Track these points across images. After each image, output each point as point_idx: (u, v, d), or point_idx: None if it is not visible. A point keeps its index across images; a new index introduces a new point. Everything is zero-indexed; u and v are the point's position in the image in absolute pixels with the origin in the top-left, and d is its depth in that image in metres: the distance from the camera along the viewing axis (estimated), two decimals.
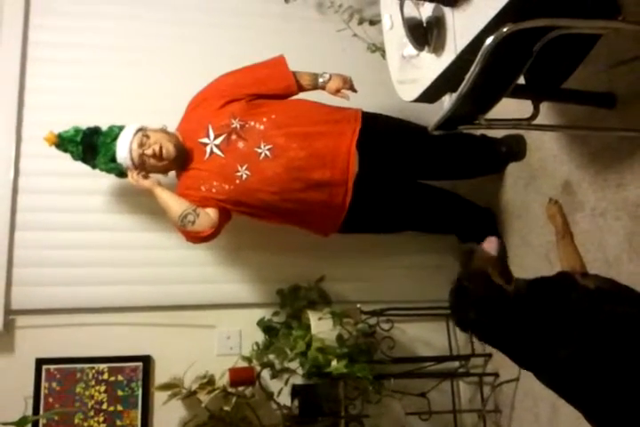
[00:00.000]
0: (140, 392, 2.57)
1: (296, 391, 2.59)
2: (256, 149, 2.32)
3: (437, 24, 1.69)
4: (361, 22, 2.94)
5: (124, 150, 2.33)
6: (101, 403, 2.55)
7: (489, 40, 1.42)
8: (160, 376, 2.57)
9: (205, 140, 2.37)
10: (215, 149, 2.35)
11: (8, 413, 2.25)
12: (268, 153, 2.32)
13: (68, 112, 2.72)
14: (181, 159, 2.39)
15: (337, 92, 2.49)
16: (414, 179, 2.62)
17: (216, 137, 2.36)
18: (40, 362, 2.54)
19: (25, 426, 2.09)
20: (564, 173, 2.28)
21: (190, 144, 2.40)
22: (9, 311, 2.55)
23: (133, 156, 2.33)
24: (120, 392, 2.57)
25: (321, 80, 2.51)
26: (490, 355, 2.73)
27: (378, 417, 2.64)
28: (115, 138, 2.37)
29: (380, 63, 2.51)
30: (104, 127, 2.44)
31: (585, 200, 2.16)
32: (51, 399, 2.52)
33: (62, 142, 2.40)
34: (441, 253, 2.81)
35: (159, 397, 2.51)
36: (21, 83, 2.72)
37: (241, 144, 2.34)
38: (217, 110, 2.39)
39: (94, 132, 2.42)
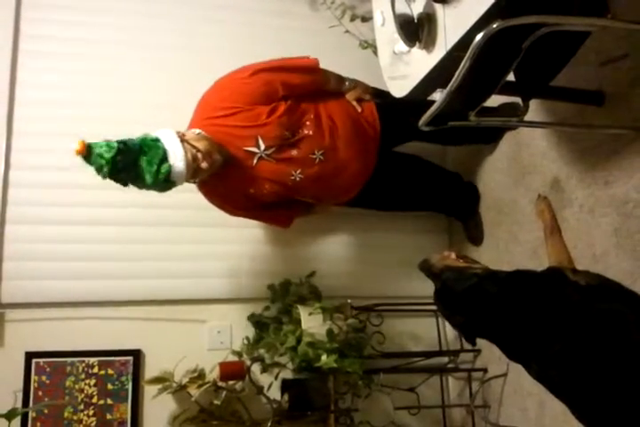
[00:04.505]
0: (130, 386, 2.58)
1: (286, 386, 2.60)
2: (311, 156, 2.34)
3: (428, 20, 1.69)
4: (353, 19, 2.95)
5: (181, 168, 2.12)
6: (91, 397, 2.55)
7: (478, 36, 1.43)
8: (150, 370, 2.58)
9: (254, 149, 2.29)
10: (265, 157, 2.31)
11: None
12: (322, 157, 2.35)
13: (60, 106, 2.72)
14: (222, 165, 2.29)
15: (355, 100, 2.49)
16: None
17: (267, 148, 2.30)
18: (30, 356, 2.54)
19: (14, 419, 2.10)
20: (552, 170, 2.29)
21: (233, 150, 2.29)
22: None
23: (188, 170, 2.16)
24: (110, 386, 2.57)
25: (346, 83, 2.49)
26: (479, 351, 2.75)
27: (367, 412, 2.65)
28: (164, 157, 2.10)
29: (371, 60, 2.52)
30: (135, 139, 2.11)
31: (573, 197, 2.18)
32: (40, 393, 2.52)
33: (90, 156, 2.05)
34: (432, 250, 2.81)
35: (149, 391, 2.52)
36: (12, 76, 2.71)
37: (294, 152, 2.33)
38: (264, 121, 2.28)
39: (130, 150, 2.08)
